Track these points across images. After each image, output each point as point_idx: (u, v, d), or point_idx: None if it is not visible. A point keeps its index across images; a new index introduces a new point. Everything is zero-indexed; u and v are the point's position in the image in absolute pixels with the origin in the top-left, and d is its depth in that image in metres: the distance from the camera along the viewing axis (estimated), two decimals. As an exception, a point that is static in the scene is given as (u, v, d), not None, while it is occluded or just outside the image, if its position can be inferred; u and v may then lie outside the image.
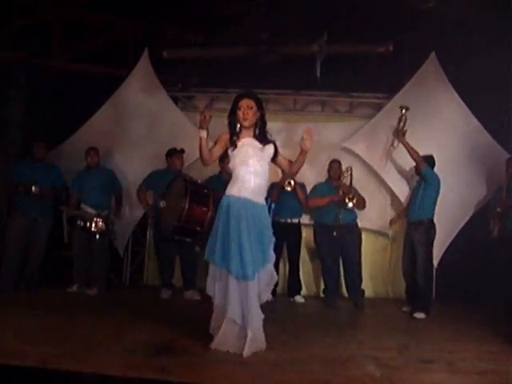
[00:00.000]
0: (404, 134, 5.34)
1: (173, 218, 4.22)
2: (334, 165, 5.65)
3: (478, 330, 4.12)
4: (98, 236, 5.33)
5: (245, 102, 3.27)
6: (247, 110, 3.26)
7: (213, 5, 5.71)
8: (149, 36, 6.24)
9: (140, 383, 2.48)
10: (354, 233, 5.53)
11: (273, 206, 3.26)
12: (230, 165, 3.32)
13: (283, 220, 5.66)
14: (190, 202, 4.11)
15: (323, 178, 5.82)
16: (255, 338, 3.07)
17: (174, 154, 5.53)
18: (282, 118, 6.26)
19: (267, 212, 3.34)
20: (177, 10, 5.78)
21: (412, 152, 5.12)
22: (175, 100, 6.38)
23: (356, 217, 5.58)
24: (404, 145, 5.25)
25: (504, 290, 4.79)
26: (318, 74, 5.53)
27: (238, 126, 3.29)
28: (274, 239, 3.29)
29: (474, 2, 5.14)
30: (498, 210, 5.09)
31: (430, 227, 5.02)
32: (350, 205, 5.39)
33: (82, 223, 5.34)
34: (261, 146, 3.30)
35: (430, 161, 5.18)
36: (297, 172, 3.54)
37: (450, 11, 5.25)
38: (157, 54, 6.19)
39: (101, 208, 5.42)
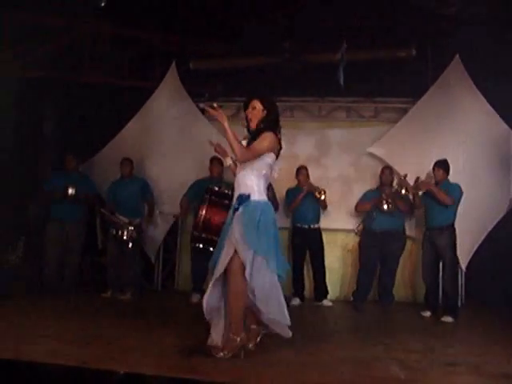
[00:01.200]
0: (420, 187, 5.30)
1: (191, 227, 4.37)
2: (386, 171, 5.71)
3: (505, 334, 4.14)
4: (130, 244, 5.56)
5: (248, 105, 3.26)
6: (250, 112, 3.24)
7: (237, 16, 5.89)
8: (175, 48, 6.46)
9: (173, 382, 2.64)
10: (399, 240, 5.60)
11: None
12: (262, 167, 3.23)
13: (306, 226, 5.79)
14: (207, 211, 4.22)
15: (342, 181, 5.98)
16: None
17: (211, 161, 5.69)
18: (307, 126, 6.39)
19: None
20: (201, 21, 5.97)
21: (439, 195, 5.10)
22: (202, 110, 6.58)
23: (403, 223, 5.65)
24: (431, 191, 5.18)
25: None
26: (342, 82, 5.61)
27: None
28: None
29: (498, 3, 5.14)
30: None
31: (454, 231, 5.10)
32: (385, 207, 5.44)
33: (115, 231, 5.58)
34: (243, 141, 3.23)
35: (445, 166, 5.23)
36: (235, 152, 3.15)
37: (473, 14, 5.27)
38: (183, 66, 6.41)
39: (133, 216, 5.65)
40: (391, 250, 5.52)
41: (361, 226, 5.72)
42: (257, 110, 3.21)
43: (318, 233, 5.85)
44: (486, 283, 5.55)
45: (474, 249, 5.65)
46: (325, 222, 5.98)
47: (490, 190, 5.65)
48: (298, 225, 5.83)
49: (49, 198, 5.70)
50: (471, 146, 5.76)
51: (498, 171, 5.70)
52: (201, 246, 4.50)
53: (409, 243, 6.09)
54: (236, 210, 3.18)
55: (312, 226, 5.80)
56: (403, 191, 5.35)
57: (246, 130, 3.29)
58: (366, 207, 5.66)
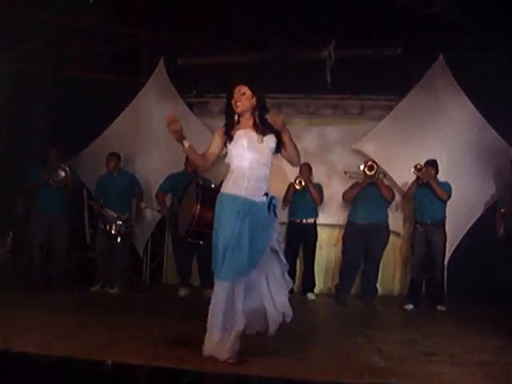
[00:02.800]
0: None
1: (186, 222, 4.46)
2: (371, 165, 5.77)
3: (482, 325, 4.30)
4: (119, 239, 5.64)
5: (237, 89, 3.16)
6: (239, 96, 3.14)
7: (224, 12, 5.95)
8: (163, 44, 6.52)
9: (161, 371, 2.75)
10: (382, 233, 5.70)
11: (274, 201, 3.16)
12: (227, 159, 3.20)
13: (298, 220, 5.91)
14: (201, 206, 4.31)
15: (332, 177, 6.07)
16: None
17: (187, 157, 5.79)
18: (295, 122, 6.48)
19: (266, 209, 3.12)
20: (189, 18, 6.02)
21: (438, 190, 5.31)
22: (190, 106, 6.66)
23: (387, 217, 5.75)
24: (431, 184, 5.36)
25: (509, 288, 4.98)
26: (328, 80, 5.72)
27: (236, 116, 3.18)
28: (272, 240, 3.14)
29: (478, 4, 5.27)
30: (502, 210, 5.29)
31: (445, 227, 5.35)
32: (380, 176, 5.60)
33: (104, 226, 5.65)
34: (259, 137, 3.13)
35: (436, 165, 5.41)
36: (294, 157, 3.23)
37: (455, 15, 5.39)
38: (172, 62, 6.47)
39: (122, 211, 5.72)
40: (374, 244, 5.64)
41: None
42: (246, 95, 3.14)
43: (312, 227, 5.93)
44: (465, 277, 5.74)
45: (456, 243, 5.83)
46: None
47: (473, 186, 5.82)
48: (292, 219, 5.96)
49: (33, 189, 5.74)
50: (453, 146, 5.92)
51: (479, 168, 5.87)
52: (196, 240, 4.60)
53: (393, 238, 6.27)
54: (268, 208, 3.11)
55: (305, 221, 5.91)
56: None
57: (236, 118, 3.18)
58: (351, 194, 5.74)
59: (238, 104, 3.13)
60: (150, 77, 6.47)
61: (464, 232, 5.84)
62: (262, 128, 3.16)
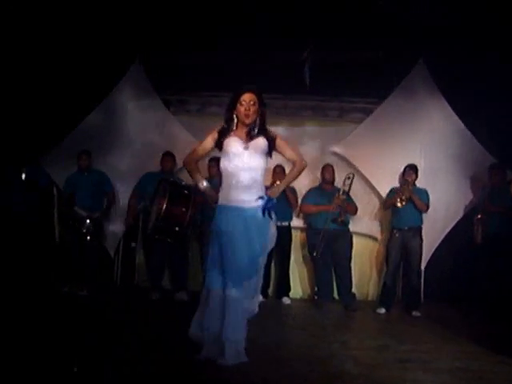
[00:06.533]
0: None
1: (153, 218, 4.42)
2: (328, 169, 5.87)
3: (457, 331, 4.36)
4: (88, 237, 5.56)
5: (248, 97, 3.04)
6: (249, 106, 3.03)
7: (203, 11, 5.92)
8: (140, 40, 6.44)
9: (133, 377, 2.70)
10: (345, 237, 5.75)
11: (270, 203, 3.14)
12: (221, 165, 3.14)
13: None
14: (169, 202, 4.28)
15: (314, 182, 6.05)
16: None
17: (163, 156, 5.78)
18: (271, 122, 6.42)
19: (260, 214, 3.11)
20: (168, 15, 5.97)
21: (418, 203, 5.38)
22: (167, 104, 6.60)
23: (348, 222, 5.79)
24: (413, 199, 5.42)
25: (486, 294, 5.06)
26: (307, 82, 5.73)
27: (236, 122, 3.09)
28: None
29: (460, 6, 5.35)
30: (479, 216, 5.38)
31: (421, 233, 5.43)
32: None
33: (73, 225, 5.55)
34: (244, 142, 3.07)
35: (417, 170, 5.47)
36: (294, 156, 3.29)
37: (438, 19, 5.46)
38: (149, 59, 6.40)
39: (92, 210, 5.65)
40: (338, 248, 5.68)
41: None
42: (256, 107, 3.05)
43: (286, 230, 5.92)
44: (442, 283, 5.82)
45: (433, 248, 5.92)
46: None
47: (450, 191, 5.91)
48: None
49: None
50: (432, 150, 6.00)
51: (457, 172, 5.97)
52: (164, 237, 4.56)
53: (371, 242, 6.32)
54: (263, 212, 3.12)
55: (280, 224, 5.89)
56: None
57: (234, 124, 3.10)
58: (312, 210, 5.81)
59: (248, 114, 3.03)
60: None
61: (442, 237, 5.93)
62: (252, 134, 3.09)
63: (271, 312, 5.17)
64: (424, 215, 5.50)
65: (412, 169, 5.46)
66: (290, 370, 3.05)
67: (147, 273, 5.95)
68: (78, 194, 5.73)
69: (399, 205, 5.35)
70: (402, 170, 5.57)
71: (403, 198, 5.36)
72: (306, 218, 6.04)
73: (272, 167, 5.73)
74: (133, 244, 5.86)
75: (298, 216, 6.15)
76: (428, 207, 5.42)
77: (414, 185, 5.47)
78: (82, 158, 5.78)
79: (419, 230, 5.44)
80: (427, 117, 6.08)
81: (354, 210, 5.86)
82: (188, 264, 5.85)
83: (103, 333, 3.73)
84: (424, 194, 5.46)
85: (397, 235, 5.47)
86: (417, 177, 5.49)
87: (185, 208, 4.60)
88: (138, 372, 2.82)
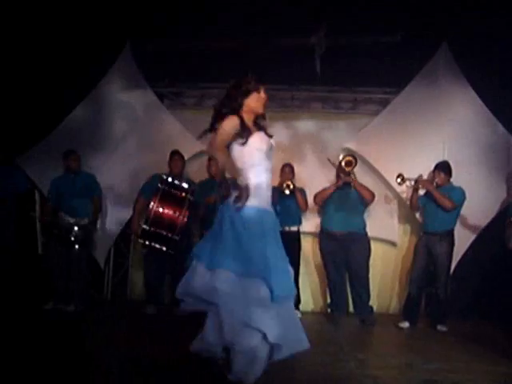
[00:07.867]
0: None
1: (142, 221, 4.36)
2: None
3: (485, 349, 4.28)
4: (76, 246, 5.50)
5: (263, 91, 3.17)
6: (265, 99, 3.18)
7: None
8: (131, 26, 6.39)
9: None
10: (362, 243, 5.64)
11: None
12: (239, 164, 3.00)
13: (281, 228, 5.81)
14: (159, 203, 4.21)
15: (327, 179, 5.98)
16: None
17: (171, 156, 5.67)
18: (278, 117, 6.37)
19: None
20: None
21: (439, 198, 5.28)
22: (161, 96, 6.55)
23: (364, 225, 5.69)
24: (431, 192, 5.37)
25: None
26: (318, 70, 5.66)
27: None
28: None
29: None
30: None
31: (453, 238, 5.32)
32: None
33: (59, 233, 5.50)
34: (271, 141, 3.14)
35: (446, 169, 5.40)
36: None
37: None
38: (140, 47, 6.35)
39: (80, 216, 5.59)
40: (353, 254, 5.57)
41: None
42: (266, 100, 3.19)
43: (294, 236, 5.85)
44: (469, 294, 5.73)
45: (460, 255, 5.78)
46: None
47: (477, 194, 5.74)
48: None
49: None
50: (458, 144, 5.90)
51: (486, 173, 5.85)
52: (147, 242, 4.47)
53: (389, 248, 6.24)
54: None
55: (287, 229, 5.83)
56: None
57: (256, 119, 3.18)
58: (324, 195, 5.67)
59: (261, 106, 3.15)
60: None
61: (469, 243, 5.81)
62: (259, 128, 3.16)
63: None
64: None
65: (439, 168, 5.39)
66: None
67: (144, 285, 5.87)
68: (64, 198, 5.66)
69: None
70: (423, 167, 5.52)
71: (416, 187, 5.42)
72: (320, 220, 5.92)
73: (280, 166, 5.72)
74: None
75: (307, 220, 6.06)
76: (455, 207, 5.27)
77: (450, 183, 5.39)
78: (70, 158, 5.71)
79: (447, 234, 5.29)
80: (452, 107, 5.98)
81: (370, 195, 5.66)
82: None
83: (90, 355, 3.66)
84: (458, 192, 5.33)
85: (423, 240, 5.40)
86: (449, 176, 5.40)
87: (178, 212, 4.52)
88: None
